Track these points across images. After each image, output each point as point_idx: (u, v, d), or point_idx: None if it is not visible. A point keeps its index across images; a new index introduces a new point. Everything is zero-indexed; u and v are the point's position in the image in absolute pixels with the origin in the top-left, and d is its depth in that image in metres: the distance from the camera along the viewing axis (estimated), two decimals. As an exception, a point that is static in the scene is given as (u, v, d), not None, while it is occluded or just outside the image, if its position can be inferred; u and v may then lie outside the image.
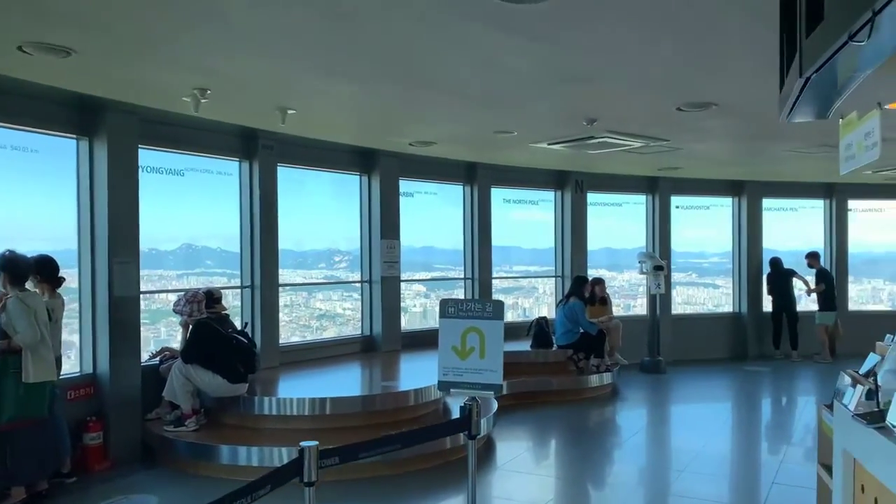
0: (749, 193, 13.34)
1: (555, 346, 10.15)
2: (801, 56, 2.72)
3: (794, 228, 13.86)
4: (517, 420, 8.46)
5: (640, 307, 13.09)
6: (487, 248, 11.17)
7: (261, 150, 8.24)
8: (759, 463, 7.16)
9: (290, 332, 9.36)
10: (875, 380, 3.35)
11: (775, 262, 13.02)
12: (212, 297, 7.29)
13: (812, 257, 12.83)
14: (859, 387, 3.59)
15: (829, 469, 3.99)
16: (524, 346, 10.20)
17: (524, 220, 12.46)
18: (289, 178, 8.83)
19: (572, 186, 12.02)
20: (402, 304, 10.33)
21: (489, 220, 11.18)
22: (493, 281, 11.39)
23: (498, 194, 11.47)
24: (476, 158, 10.56)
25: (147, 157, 7.33)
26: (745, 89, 6.13)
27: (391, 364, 9.12)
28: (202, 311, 7.06)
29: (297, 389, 7.57)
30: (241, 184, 8.42)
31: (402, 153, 9.64)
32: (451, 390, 4.63)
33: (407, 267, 10.36)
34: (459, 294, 11.21)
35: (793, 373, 11.90)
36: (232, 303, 8.20)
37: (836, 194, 13.68)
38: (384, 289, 9.79)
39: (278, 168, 8.52)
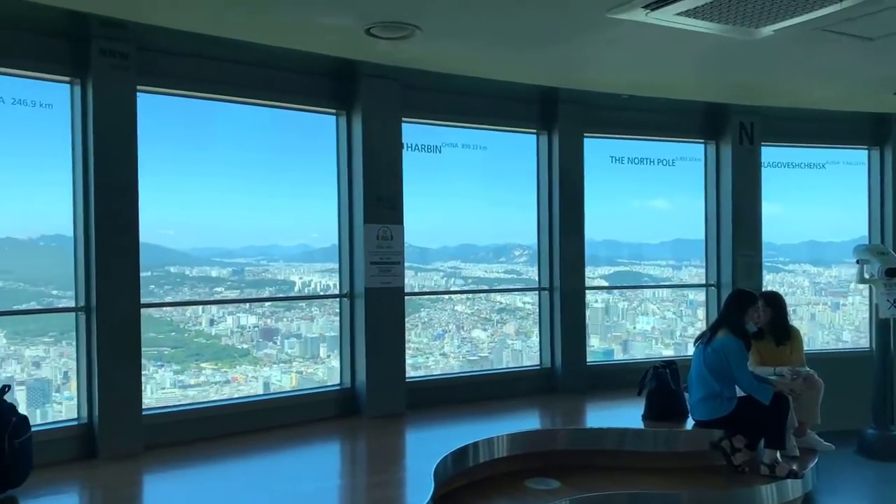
0: None
1: (689, 419, 5.47)
2: None
3: None
4: None
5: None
6: (577, 238, 6.65)
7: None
8: None
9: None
10: None
11: None
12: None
13: None
14: None
15: None
16: (632, 414, 5.63)
17: (652, 202, 7.76)
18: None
19: (734, 134, 7.12)
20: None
21: (580, 190, 6.64)
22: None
23: (596, 148, 6.87)
24: (551, 80, 6.10)
25: None
26: None
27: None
28: None
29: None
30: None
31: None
32: None
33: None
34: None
35: None
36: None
37: None
38: (370, 305, 5.66)
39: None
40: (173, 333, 5.65)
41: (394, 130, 5.79)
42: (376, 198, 5.66)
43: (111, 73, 4.58)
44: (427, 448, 4.79)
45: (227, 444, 4.94)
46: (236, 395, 5.59)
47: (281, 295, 6.08)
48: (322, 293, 6.02)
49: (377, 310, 5.67)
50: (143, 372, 4.80)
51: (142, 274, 4.77)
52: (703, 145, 7.37)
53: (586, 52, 5.17)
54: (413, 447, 5.35)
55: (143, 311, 4.77)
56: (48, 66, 4.55)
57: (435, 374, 6.49)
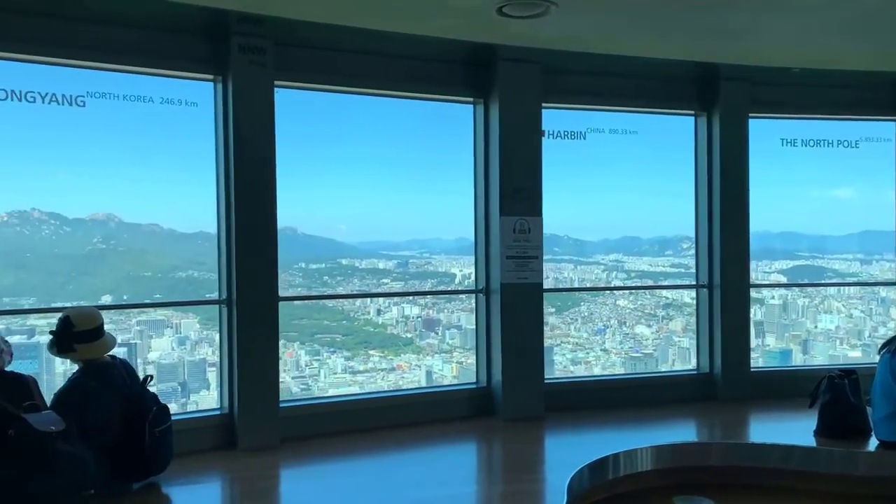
0: None
1: (873, 437, 4.73)
2: None
3: None
4: None
5: None
6: (741, 230, 6.00)
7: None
8: None
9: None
10: None
11: None
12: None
13: None
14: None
15: None
16: (802, 428, 4.97)
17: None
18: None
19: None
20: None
21: (744, 177, 5.99)
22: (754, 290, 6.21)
23: (763, 130, 6.16)
24: (710, 55, 5.51)
25: None
26: None
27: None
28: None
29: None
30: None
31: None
32: None
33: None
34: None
35: None
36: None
37: None
38: (505, 302, 5.40)
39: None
40: (344, 322, 5.83)
41: (533, 117, 5.48)
42: (514, 189, 5.39)
43: (249, 68, 4.64)
44: (564, 456, 4.47)
45: (361, 440, 4.91)
46: (401, 382, 5.73)
47: (442, 288, 6.06)
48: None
49: (513, 307, 5.41)
50: (316, 357, 4.92)
51: (315, 265, 4.88)
52: (894, 123, 6.41)
53: (752, 18, 4.55)
54: (550, 454, 5.03)
55: (316, 301, 4.85)
56: (192, 64, 4.69)
57: (576, 376, 6.15)
